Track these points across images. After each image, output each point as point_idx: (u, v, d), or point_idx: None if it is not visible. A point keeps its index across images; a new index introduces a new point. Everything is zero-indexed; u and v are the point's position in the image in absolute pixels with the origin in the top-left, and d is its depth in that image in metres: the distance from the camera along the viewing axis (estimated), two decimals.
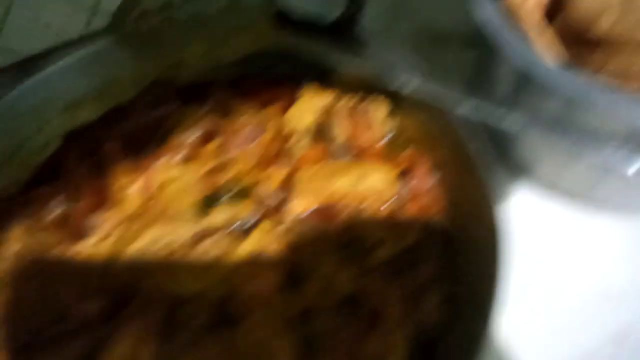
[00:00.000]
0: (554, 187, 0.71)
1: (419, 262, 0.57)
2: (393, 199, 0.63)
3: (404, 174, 0.65)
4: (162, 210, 0.62)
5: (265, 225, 0.61)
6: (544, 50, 0.60)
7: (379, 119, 0.68)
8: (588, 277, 0.65)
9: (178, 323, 0.54)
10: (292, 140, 0.68)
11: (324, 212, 0.63)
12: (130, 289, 0.56)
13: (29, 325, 0.54)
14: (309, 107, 0.71)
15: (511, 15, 0.61)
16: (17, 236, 0.62)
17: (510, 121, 0.54)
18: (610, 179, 0.63)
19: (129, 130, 0.73)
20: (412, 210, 0.62)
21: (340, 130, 0.67)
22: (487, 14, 0.60)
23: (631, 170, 0.50)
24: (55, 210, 0.65)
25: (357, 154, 0.68)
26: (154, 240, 0.60)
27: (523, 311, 0.61)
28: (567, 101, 0.56)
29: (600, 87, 0.53)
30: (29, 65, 0.89)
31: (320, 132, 0.69)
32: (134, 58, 0.73)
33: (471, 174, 0.59)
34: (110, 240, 0.62)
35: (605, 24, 0.59)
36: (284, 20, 0.71)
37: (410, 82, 0.58)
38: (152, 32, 0.72)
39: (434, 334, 0.54)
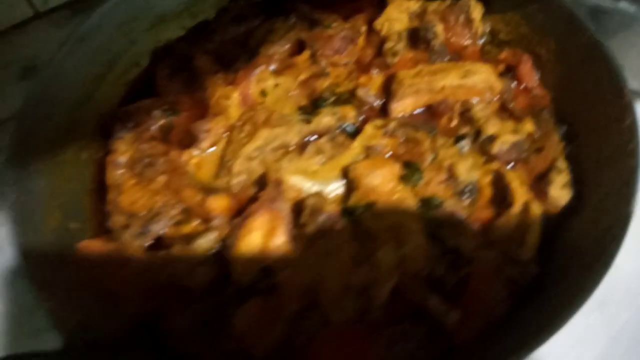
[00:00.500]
0: None
1: (540, 149, 0.56)
2: (499, 95, 0.62)
3: (506, 72, 0.64)
4: (266, 117, 0.62)
5: (374, 123, 0.60)
6: None
7: (474, 20, 0.67)
8: None
9: (303, 220, 0.54)
10: (387, 46, 0.67)
11: (431, 110, 0.62)
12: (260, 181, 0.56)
13: None
14: (400, 12, 0.70)
15: None
16: (124, 148, 0.62)
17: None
18: None
19: (217, 45, 0.73)
20: (520, 105, 0.62)
21: (437, 33, 0.66)
22: None
23: None
24: (158, 121, 0.64)
25: (455, 55, 0.67)
26: (267, 142, 0.60)
27: None
28: None
29: None
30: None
31: (414, 36, 0.68)
32: None
33: (586, 63, 0.58)
34: (220, 145, 0.61)
35: None
36: None
37: None
38: None
39: (560, 218, 0.53)
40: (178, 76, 0.70)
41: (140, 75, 0.71)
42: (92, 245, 0.53)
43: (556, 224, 0.53)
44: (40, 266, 0.49)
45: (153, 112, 0.65)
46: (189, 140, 0.63)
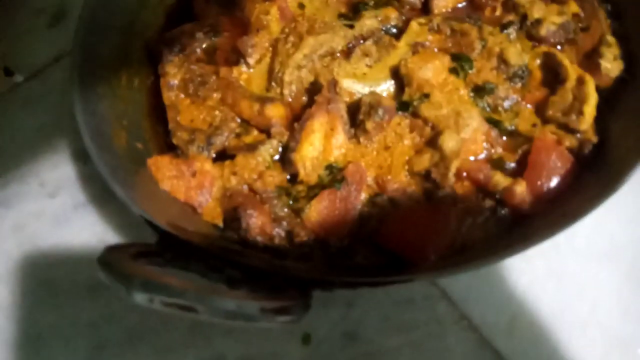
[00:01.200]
0: None
1: (587, 29, 0.57)
2: None
3: None
4: (309, 26, 0.63)
5: (418, 20, 0.61)
6: None
7: None
8: None
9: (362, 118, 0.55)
10: None
11: (474, 2, 0.62)
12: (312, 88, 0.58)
13: None
14: None
15: None
16: (174, 70, 0.63)
17: None
18: None
19: None
20: None
21: None
22: None
23: None
24: (202, 43, 0.65)
25: None
26: (314, 49, 0.61)
27: None
28: None
29: None
30: None
31: None
32: None
33: None
34: (266, 60, 0.63)
35: None
36: None
37: None
38: None
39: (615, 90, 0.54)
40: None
41: (177, 2, 0.71)
42: (162, 160, 0.56)
43: (611, 95, 0.54)
44: (119, 178, 0.52)
45: (196, 35, 0.66)
46: (235, 58, 0.64)
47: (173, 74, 0.64)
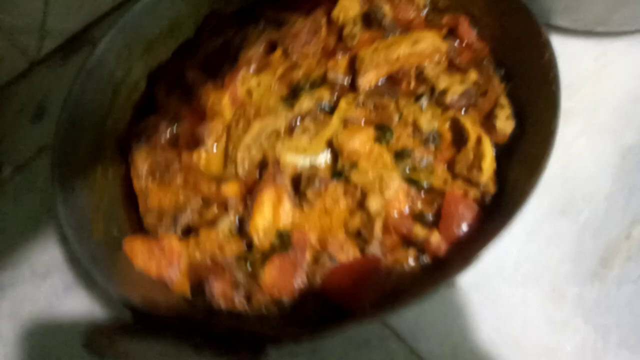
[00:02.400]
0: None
1: (485, 93, 0.68)
2: (446, 54, 0.73)
3: (449, 34, 0.75)
4: (256, 111, 0.73)
5: (346, 99, 0.72)
6: None
7: None
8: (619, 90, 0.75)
9: (302, 188, 0.65)
10: (346, 31, 0.78)
11: (392, 78, 0.74)
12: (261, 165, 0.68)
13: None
14: (349, 1, 0.81)
15: None
16: (142, 158, 0.73)
17: None
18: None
19: (202, 58, 0.84)
20: (465, 60, 0.73)
21: (385, 12, 0.77)
22: None
23: None
24: (166, 132, 0.76)
25: (404, 28, 0.78)
26: (261, 130, 0.71)
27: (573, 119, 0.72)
28: None
29: None
30: (75, 44, 0.99)
31: (368, 19, 0.79)
32: (186, 3, 0.83)
33: (508, 13, 0.69)
34: (221, 142, 0.73)
35: None
36: None
37: None
38: None
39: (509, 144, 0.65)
40: (174, 92, 0.81)
41: (141, 97, 0.82)
42: (135, 241, 0.65)
43: (507, 149, 0.64)
44: (98, 265, 0.61)
45: (160, 125, 0.76)
46: (195, 143, 0.75)
47: (141, 163, 0.74)
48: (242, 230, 0.65)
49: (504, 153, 0.64)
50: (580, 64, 0.75)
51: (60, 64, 0.99)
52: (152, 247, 0.64)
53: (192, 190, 0.69)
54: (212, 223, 0.66)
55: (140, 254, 0.64)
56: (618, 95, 0.73)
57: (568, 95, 0.63)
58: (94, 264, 0.59)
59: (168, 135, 0.77)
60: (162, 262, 0.63)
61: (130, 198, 0.72)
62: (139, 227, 0.69)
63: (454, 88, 0.68)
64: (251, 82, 0.79)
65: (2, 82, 0.95)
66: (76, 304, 0.68)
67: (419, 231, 0.60)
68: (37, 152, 0.87)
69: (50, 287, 0.71)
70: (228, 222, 0.66)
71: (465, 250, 0.57)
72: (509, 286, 0.64)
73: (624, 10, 0.70)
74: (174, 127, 0.77)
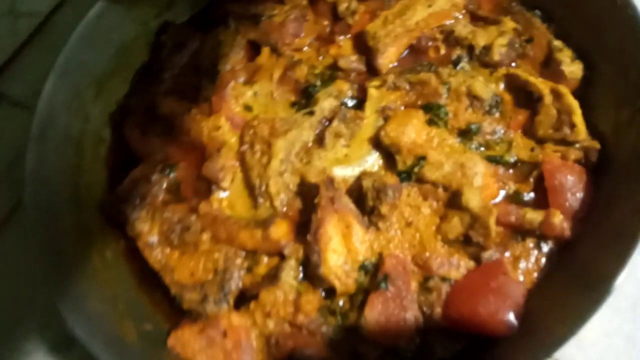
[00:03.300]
0: None
1: (531, 39, 0.58)
2: (465, 8, 0.63)
3: None
4: (269, 128, 0.59)
5: (373, 84, 0.60)
6: None
7: None
8: None
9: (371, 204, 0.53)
10: (342, 8, 0.65)
11: (415, 49, 0.63)
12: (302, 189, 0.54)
13: None
14: None
15: None
16: (147, 226, 0.57)
17: None
18: None
19: (171, 82, 0.68)
20: (488, 8, 0.63)
21: None
22: None
23: None
24: (162, 184, 0.59)
25: None
26: (288, 150, 0.57)
27: None
28: None
29: None
30: None
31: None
32: (129, 18, 0.66)
33: None
34: (237, 176, 0.58)
35: None
36: None
37: None
38: None
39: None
40: (151, 131, 0.64)
41: (111, 149, 0.64)
42: (183, 334, 0.49)
43: (582, 93, 0.55)
44: None
45: (151, 178, 0.59)
46: (206, 187, 0.59)
47: (148, 231, 0.57)
48: (314, 276, 0.51)
49: (582, 100, 0.55)
50: None
51: None
52: (207, 333, 0.49)
53: (229, 246, 0.54)
54: (272, 279, 0.52)
55: (196, 345, 0.48)
56: None
57: None
58: None
59: (166, 186, 0.60)
60: (228, 346, 0.49)
61: (148, 276, 0.55)
62: (174, 309, 0.53)
63: (497, 41, 0.58)
64: (246, 95, 0.64)
65: None
66: None
67: (533, 215, 0.49)
68: None
69: None
70: (291, 271, 0.52)
71: (596, 226, 0.48)
72: None
73: None
74: (170, 175, 0.60)
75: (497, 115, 0.57)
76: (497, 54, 0.58)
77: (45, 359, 0.56)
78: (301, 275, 0.53)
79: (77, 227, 0.57)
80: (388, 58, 0.62)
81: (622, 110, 0.51)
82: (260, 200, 0.57)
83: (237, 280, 0.53)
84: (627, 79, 0.50)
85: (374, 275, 0.50)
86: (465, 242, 0.50)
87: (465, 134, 0.56)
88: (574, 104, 0.53)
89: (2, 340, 0.57)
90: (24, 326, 0.58)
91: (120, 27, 0.66)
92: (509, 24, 0.60)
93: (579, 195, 0.50)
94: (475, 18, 0.63)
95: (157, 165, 0.61)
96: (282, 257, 0.53)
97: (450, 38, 0.61)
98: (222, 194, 0.58)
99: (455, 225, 0.50)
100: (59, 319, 0.47)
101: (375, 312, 0.48)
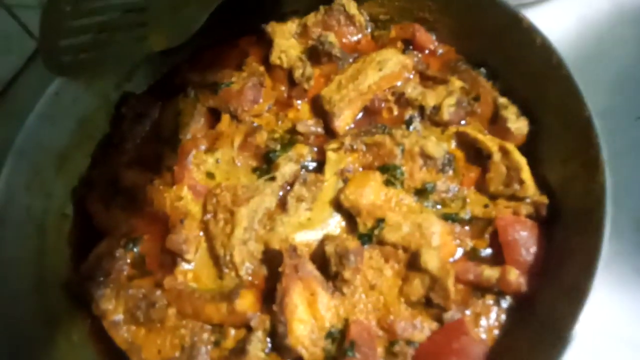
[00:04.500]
0: None
1: (477, 97, 0.62)
2: (414, 69, 0.66)
3: (407, 47, 0.69)
4: (233, 195, 0.60)
5: (331, 147, 0.62)
6: None
7: (354, 15, 0.70)
8: None
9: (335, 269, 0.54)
10: (297, 74, 0.68)
11: (369, 110, 0.65)
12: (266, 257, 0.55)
13: None
14: (286, 39, 0.71)
15: None
16: (112, 304, 0.57)
17: None
18: None
19: (133, 153, 0.69)
20: (436, 68, 0.67)
21: (332, 41, 0.68)
22: None
23: None
24: (126, 259, 0.60)
25: (354, 53, 0.70)
26: (251, 218, 0.58)
27: None
28: None
29: None
30: None
31: (314, 54, 0.70)
32: (89, 92, 0.68)
33: (474, 9, 0.64)
34: (201, 247, 0.59)
35: None
36: None
37: None
38: (84, 61, 0.67)
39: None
40: (114, 204, 0.65)
41: (74, 226, 0.64)
42: None
43: (529, 148, 0.58)
44: None
45: (115, 253, 0.60)
46: (170, 259, 0.60)
47: (113, 309, 0.57)
48: (281, 347, 0.52)
49: (528, 154, 0.58)
50: None
51: None
52: None
53: (195, 321, 0.54)
54: (240, 352, 0.52)
55: None
56: None
57: None
58: None
59: (130, 262, 0.60)
60: None
61: (115, 358, 0.55)
62: None
63: (447, 101, 0.61)
64: (208, 162, 0.65)
65: None
66: None
67: (490, 272, 0.51)
68: None
69: None
70: (259, 344, 0.52)
71: (550, 279, 0.50)
72: None
73: None
74: (134, 250, 0.61)
75: (450, 173, 0.59)
76: (447, 113, 0.61)
77: None
78: (269, 346, 0.53)
79: (42, 311, 0.56)
80: (344, 121, 0.65)
81: (568, 163, 0.54)
82: (226, 270, 0.58)
83: (204, 356, 0.53)
84: (570, 133, 0.54)
85: (341, 342, 0.51)
86: (427, 304, 0.51)
87: (421, 193, 0.58)
88: (521, 161, 0.55)
89: None
90: None
91: (80, 101, 0.67)
92: (456, 83, 0.63)
93: (533, 250, 0.52)
94: (424, 78, 0.66)
95: (121, 239, 0.61)
96: (249, 329, 0.53)
97: (401, 99, 0.64)
98: (187, 266, 0.59)
99: (417, 286, 0.52)
100: None
101: None
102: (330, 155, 0.61)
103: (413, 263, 0.53)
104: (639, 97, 0.69)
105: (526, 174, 0.55)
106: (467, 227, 0.56)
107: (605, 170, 0.48)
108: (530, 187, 0.54)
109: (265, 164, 0.64)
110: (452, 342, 0.48)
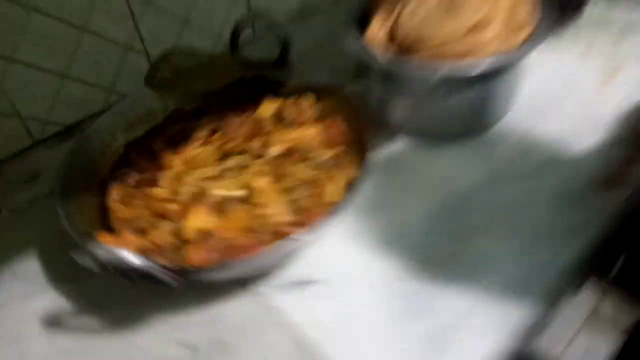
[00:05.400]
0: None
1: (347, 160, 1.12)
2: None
3: (325, 127, 1.21)
4: (200, 166, 1.14)
5: (258, 161, 1.14)
6: (383, 55, 1.21)
7: (308, 105, 1.26)
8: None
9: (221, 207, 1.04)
10: (263, 123, 1.23)
11: (289, 151, 1.18)
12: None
13: None
14: (269, 106, 1.28)
15: (369, 42, 1.23)
16: (115, 191, 1.11)
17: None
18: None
19: (166, 137, 1.27)
20: (333, 141, 1.18)
21: (287, 113, 1.24)
22: (356, 43, 1.22)
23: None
24: (133, 178, 1.15)
25: (299, 124, 1.24)
26: (200, 175, 1.11)
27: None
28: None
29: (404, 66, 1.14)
30: (69, 132, 1.41)
31: (278, 117, 1.25)
32: (160, 97, 1.29)
33: (359, 123, 1.16)
34: (173, 182, 1.12)
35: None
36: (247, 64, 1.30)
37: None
38: (167, 81, 1.29)
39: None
40: (144, 156, 1.21)
41: (120, 157, 1.21)
42: (105, 235, 0.99)
43: None
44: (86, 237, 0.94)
45: (130, 174, 1.15)
46: (154, 183, 1.13)
47: (115, 194, 1.10)
48: (178, 232, 1.01)
49: None
50: None
51: (56, 146, 1.39)
52: (116, 240, 0.99)
53: (147, 209, 1.06)
54: (157, 227, 1.02)
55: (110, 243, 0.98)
56: None
57: None
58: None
59: (135, 180, 1.15)
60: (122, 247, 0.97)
61: (103, 215, 1.07)
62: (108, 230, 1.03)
63: (323, 156, 1.12)
64: (197, 150, 1.21)
65: (10, 153, 1.34)
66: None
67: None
68: (29, 203, 1.23)
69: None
70: (168, 226, 1.02)
71: None
72: None
73: None
74: (140, 175, 1.16)
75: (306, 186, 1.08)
76: (319, 161, 1.11)
77: None
78: (174, 230, 1.03)
79: (85, 185, 1.12)
80: (272, 151, 1.18)
81: None
82: (176, 194, 1.10)
83: (142, 223, 1.04)
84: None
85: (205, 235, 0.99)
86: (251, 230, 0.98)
87: (285, 190, 1.07)
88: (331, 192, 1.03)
89: None
90: None
91: (151, 104, 1.29)
92: (329, 153, 1.14)
93: None
94: (326, 145, 1.18)
95: (136, 170, 1.17)
96: (168, 219, 1.04)
97: (303, 151, 1.16)
98: (158, 188, 1.12)
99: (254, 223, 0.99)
100: None
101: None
102: (254, 163, 1.14)
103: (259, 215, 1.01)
104: None
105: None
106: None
107: None
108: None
109: (223, 158, 1.18)
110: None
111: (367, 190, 0.98)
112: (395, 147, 1.19)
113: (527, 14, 1.20)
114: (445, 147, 1.08)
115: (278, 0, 1.48)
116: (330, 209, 0.93)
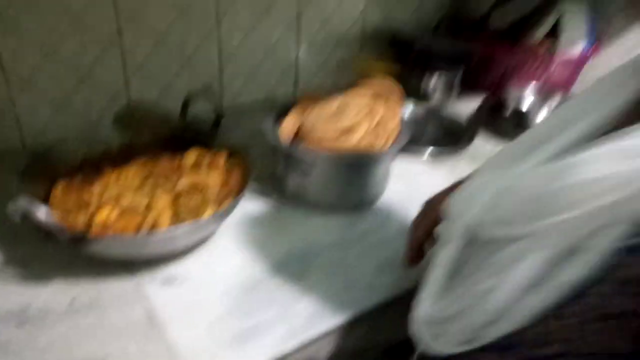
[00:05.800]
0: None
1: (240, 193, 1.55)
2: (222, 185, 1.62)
3: (228, 175, 1.66)
4: (127, 182, 1.58)
5: (168, 187, 1.58)
6: (286, 141, 1.69)
7: (222, 158, 1.72)
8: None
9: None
10: (185, 166, 1.69)
11: (193, 186, 1.62)
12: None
13: None
14: (192, 155, 1.73)
15: (281, 132, 1.71)
16: (61, 185, 1.54)
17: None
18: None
19: (112, 160, 1.72)
20: (234, 188, 1.62)
21: (205, 162, 1.69)
22: (271, 131, 1.70)
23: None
24: (78, 179, 1.59)
25: (210, 170, 1.69)
26: (123, 187, 1.54)
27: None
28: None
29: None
30: None
31: (197, 163, 1.71)
32: (120, 133, 1.77)
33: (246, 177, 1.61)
34: (102, 187, 1.56)
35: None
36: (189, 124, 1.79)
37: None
38: (129, 123, 1.78)
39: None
40: (91, 168, 1.67)
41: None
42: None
43: None
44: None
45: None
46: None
47: (59, 189, 1.54)
48: (90, 219, 1.42)
49: None
50: None
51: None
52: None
53: (75, 198, 1.48)
54: (77, 212, 1.44)
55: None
56: None
57: None
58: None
59: (79, 180, 1.59)
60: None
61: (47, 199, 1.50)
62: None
63: (215, 192, 1.55)
64: (130, 171, 1.65)
65: None
66: None
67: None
68: None
69: None
70: (84, 213, 1.44)
71: None
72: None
73: None
74: (83, 178, 1.60)
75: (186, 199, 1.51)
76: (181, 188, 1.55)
77: None
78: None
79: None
80: (181, 185, 1.62)
81: None
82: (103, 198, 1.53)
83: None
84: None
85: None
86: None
87: (175, 198, 1.50)
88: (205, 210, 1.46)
89: None
90: None
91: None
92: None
93: None
94: (225, 185, 1.62)
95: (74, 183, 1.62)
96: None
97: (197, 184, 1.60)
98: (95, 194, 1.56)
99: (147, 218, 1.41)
100: None
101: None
102: (180, 181, 1.58)
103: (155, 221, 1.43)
104: None
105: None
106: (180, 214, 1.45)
107: None
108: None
109: (143, 183, 1.62)
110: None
111: (247, 224, 1.45)
112: (280, 205, 1.60)
113: (396, 128, 1.69)
114: (320, 214, 1.47)
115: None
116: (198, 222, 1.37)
